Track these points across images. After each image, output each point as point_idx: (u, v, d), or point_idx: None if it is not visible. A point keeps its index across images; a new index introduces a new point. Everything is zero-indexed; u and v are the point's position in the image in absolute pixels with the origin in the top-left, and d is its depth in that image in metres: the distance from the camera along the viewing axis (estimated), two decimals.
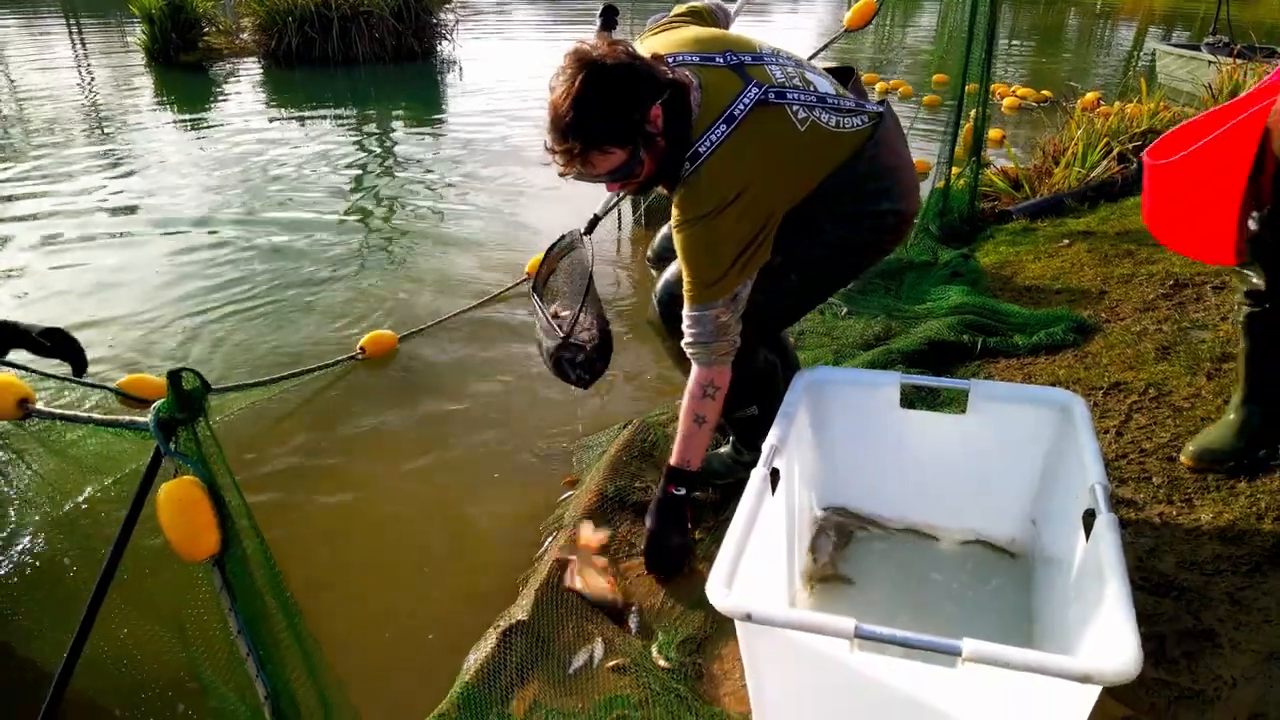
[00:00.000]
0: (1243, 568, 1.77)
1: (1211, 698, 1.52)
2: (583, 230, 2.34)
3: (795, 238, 1.85)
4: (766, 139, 1.74)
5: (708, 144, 1.70)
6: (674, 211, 1.77)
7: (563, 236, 2.38)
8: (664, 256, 2.22)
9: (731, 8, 2.29)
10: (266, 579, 1.52)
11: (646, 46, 1.87)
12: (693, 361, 1.85)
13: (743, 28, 2.11)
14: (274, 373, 3.17)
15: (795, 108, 1.77)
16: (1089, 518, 1.50)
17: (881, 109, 1.92)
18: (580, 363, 2.12)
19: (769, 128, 1.74)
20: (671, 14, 2.09)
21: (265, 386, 3.01)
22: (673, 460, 1.95)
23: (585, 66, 1.61)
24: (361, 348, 3.33)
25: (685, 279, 1.79)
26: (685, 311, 1.81)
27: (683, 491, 1.96)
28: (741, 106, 1.72)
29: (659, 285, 2.11)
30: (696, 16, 2.05)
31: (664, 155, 1.71)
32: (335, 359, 3.28)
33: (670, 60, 1.75)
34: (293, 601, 1.53)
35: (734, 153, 1.71)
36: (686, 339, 1.82)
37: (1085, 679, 1.16)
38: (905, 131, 2.02)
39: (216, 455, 1.52)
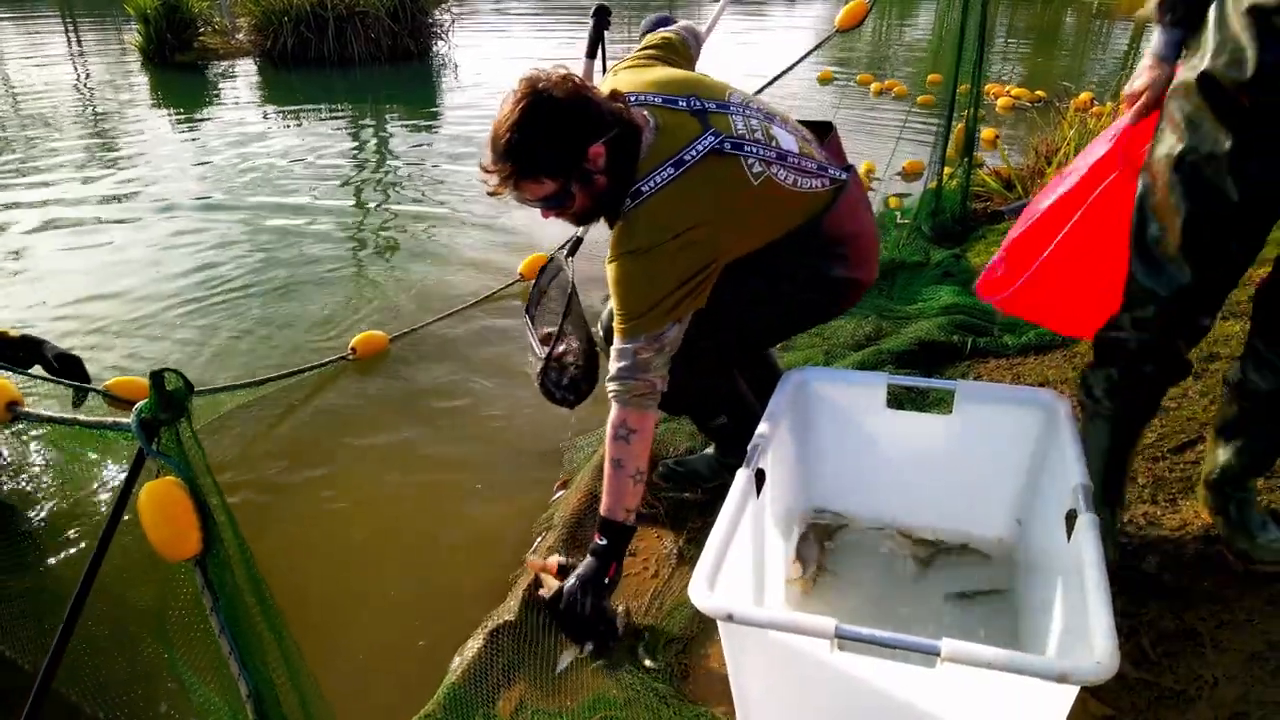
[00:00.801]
0: (1225, 567, 1.78)
1: (1193, 697, 1.53)
2: (565, 252, 2.32)
3: (741, 285, 1.83)
4: (716, 184, 1.71)
5: (651, 184, 1.68)
6: (610, 245, 1.74)
7: (551, 258, 2.38)
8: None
9: (702, 28, 2.30)
10: (247, 579, 1.52)
11: (613, 82, 1.86)
12: (612, 399, 1.76)
13: (736, 35, 2.12)
14: (265, 372, 3.17)
15: (751, 160, 1.74)
16: (1071, 518, 1.51)
17: (846, 176, 1.89)
18: (565, 385, 2.11)
19: (719, 174, 1.71)
20: (643, 45, 2.10)
21: (254, 387, 3.01)
22: (601, 511, 1.81)
23: (533, 94, 1.62)
24: (353, 348, 3.34)
25: (615, 312, 1.74)
26: (613, 346, 1.76)
27: (605, 542, 1.79)
28: (694, 153, 1.70)
29: (603, 315, 2.14)
30: (669, 49, 2.06)
31: (604, 191, 1.70)
32: (326, 360, 3.28)
33: (632, 99, 1.75)
34: (273, 601, 1.53)
35: (678, 194, 1.68)
36: (609, 375, 1.76)
37: (1062, 678, 1.17)
38: (869, 198, 2.04)
39: (198, 456, 1.51)
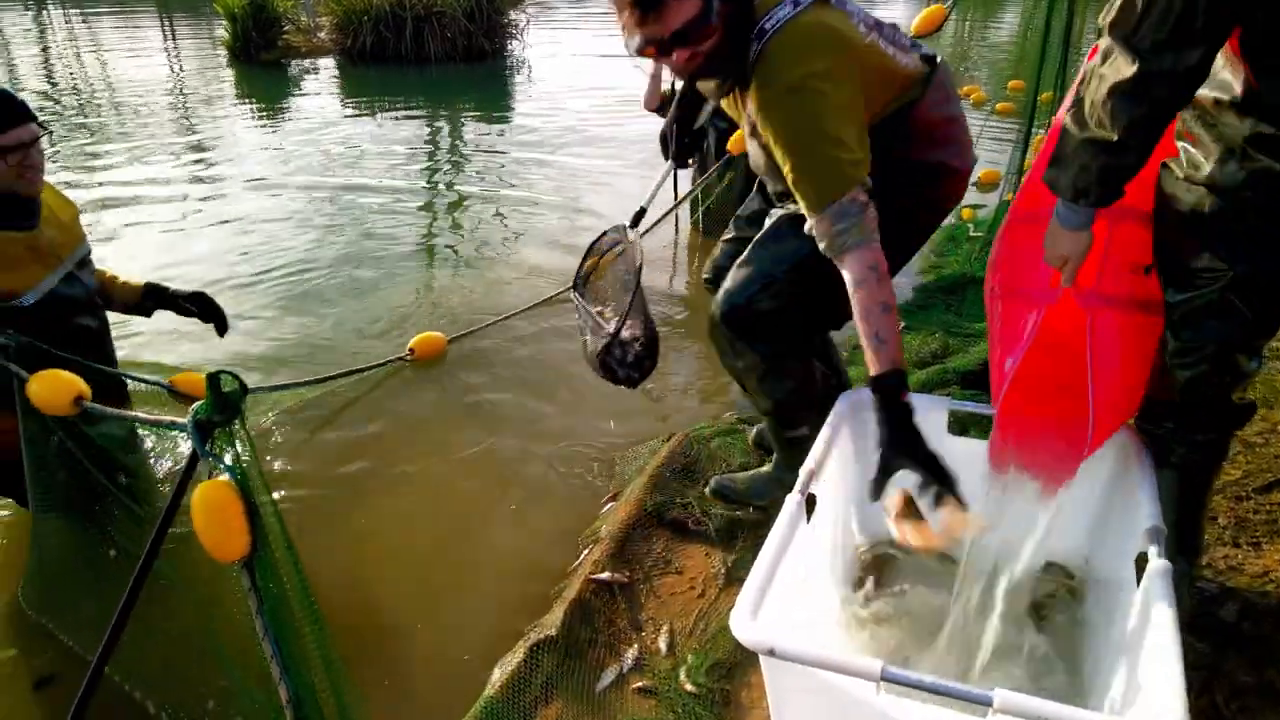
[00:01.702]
0: None
1: None
2: (628, 223, 2.23)
3: None
4: (833, 26, 1.64)
5: (773, 21, 1.61)
6: (754, 98, 1.64)
7: (605, 233, 2.30)
8: (719, 276, 2.17)
9: None
10: (295, 584, 1.54)
11: None
12: (843, 255, 1.61)
13: None
14: (322, 366, 3.22)
15: (855, 20, 1.69)
16: (1142, 561, 1.42)
17: (936, 55, 1.83)
18: (630, 362, 2.05)
19: (832, 19, 1.65)
20: None
21: (311, 386, 3.05)
22: (881, 369, 1.61)
23: None
24: (411, 349, 3.36)
25: (799, 179, 1.60)
26: (813, 220, 1.63)
27: (908, 398, 1.62)
28: None
29: (720, 296, 2.04)
30: None
31: (729, 22, 1.62)
32: (384, 360, 3.31)
33: None
34: (318, 608, 1.54)
35: (804, 28, 1.61)
36: (826, 237, 1.62)
37: None
38: (973, 139, 1.94)
39: (251, 458, 1.53)
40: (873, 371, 1.62)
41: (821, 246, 1.64)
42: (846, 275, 1.63)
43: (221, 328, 2.55)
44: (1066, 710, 1.13)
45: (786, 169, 1.64)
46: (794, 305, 1.93)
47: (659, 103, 3.99)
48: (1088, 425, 1.54)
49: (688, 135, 2.24)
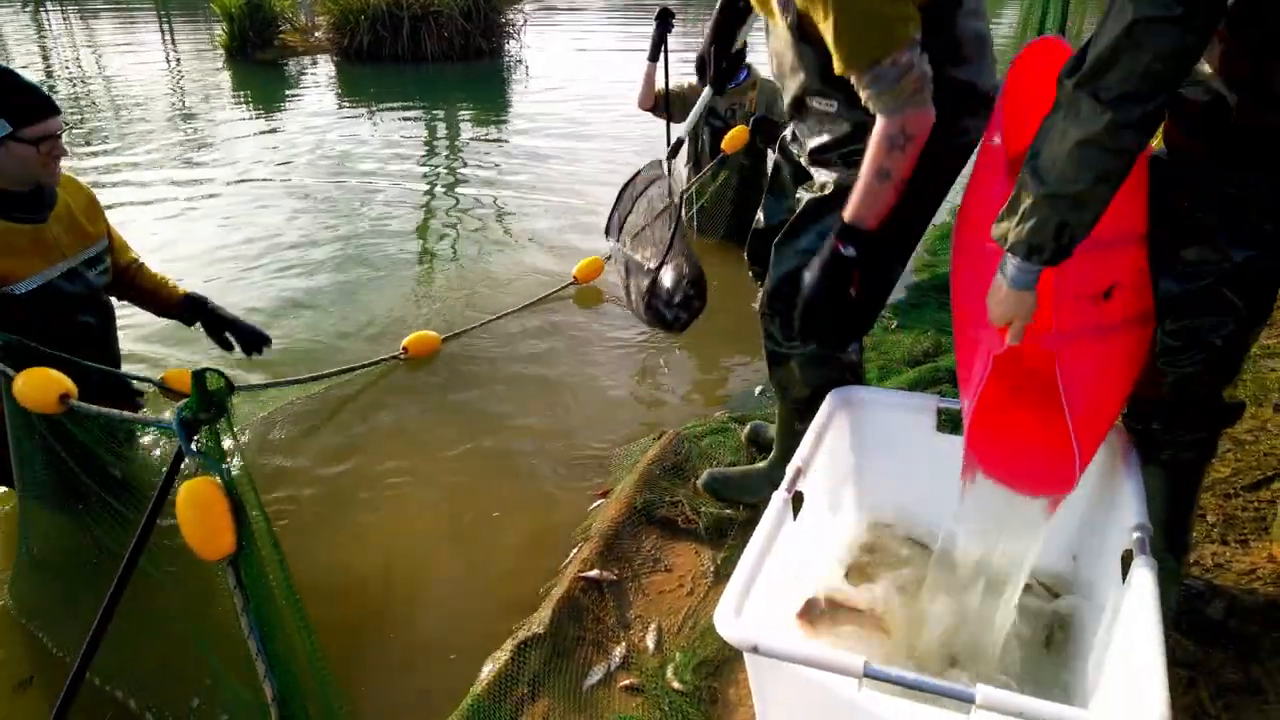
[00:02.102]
0: None
1: None
2: (665, 157, 2.13)
3: None
4: None
5: None
6: None
7: (639, 171, 2.19)
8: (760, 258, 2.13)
9: None
10: (280, 582, 1.53)
11: None
12: (878, 115, 1.59)
13: None
14: (314, 365, 3.21)
15: None
16: (1128, 559, 1.42)
17: None
18: (678, 302, 1.99)
19: None
20: None
21: (303, 384, 3.05)
22: (846, 215, 1.68)
23: None
24: (405, 348, 3.36)
25: (839, 36, 1.54)
26: (860, 81, 1.58)
27: (851, 252, 1.69)
28: None
29: (762, 292, 2.04)
30: None
31: None
32: (377, 359, 3.31)
33: None
34: (303, 607, 1.53)
35: None
36: (867, 94, 1.59)
37: None
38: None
39: (237, 456, 1.53)
40: (843, 215, 1.68)
41: (863, 98, 1.61)
42: (875, 132, 1.60)
43: (258, 347, 2.56)
44: (1048, 707, 1.13)
45: (827, 25, 1.54)
46: (830, 299, 1.84)
47: (654, 103, 3.99)
48: (1073, 451, 1.51)
49: (725, 59, 2.17)
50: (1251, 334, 1.54)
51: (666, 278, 1.96)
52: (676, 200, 2.02)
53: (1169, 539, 1.67)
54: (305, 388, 3.05)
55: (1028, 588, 1.86)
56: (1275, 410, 2.32)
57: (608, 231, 2.14)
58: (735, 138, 3.85)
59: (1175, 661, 1.21)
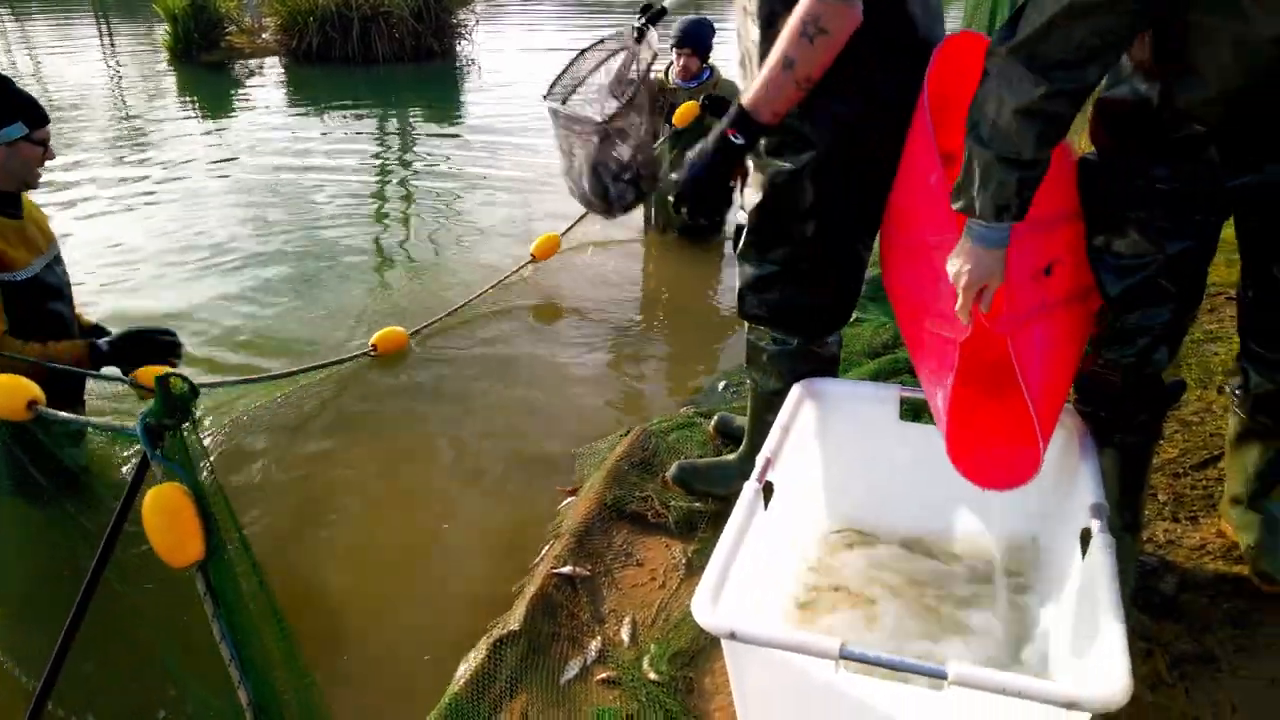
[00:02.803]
0: (1246, 589, 1.73)
1: None
2: (638, 24, 2.01)
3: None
4: None
5: None
6: None
7: (602, 39, 2.06)
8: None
9: None
10: (251, 586, 1.52)
11: None
12: None
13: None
14: (279, 367, 3.17)
15: None
16: (1086, 537, 1.47)
17: None
18: (628, 178, 1.88)
19: None
20: None
21: (271, 381, 3.01)
22: (744, 100, 1.64)
23: None
24: (374, 345, 3.32)
25: None
26: None
27: (741, 141, 1.66)
28: None
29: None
30: None
31: None
32: (346, 356, 3.27)
33: None
34: (278, 609, 1.52)
35: None
36: None
37: (1073, 705, 1.14)
38: None
39: (203, 461, 1.51)
40: (741, 100, 1.65)
41: None
42: (795, 16, 1.56)
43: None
44: (1018, 679, 1.17)
45: None
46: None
47: None
48: (1035, 432, 1.56)
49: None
50: (1188, 318, 1.62)
51: (624, 150, 1.84)
52: (643, 73, 1.91)
53: (1122, 518, 1.73)
54: (272, 389, 3.01)
55: (992, 569, 1.92)
56: (1219, 392, 2.41)
57: (549, 92, 1.97)
58: (686, 112, 3.88)
59: (1132, 635, 1.26)
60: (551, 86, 2.01)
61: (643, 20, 2.07)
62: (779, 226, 1.89)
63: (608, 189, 1.88)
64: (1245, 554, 1.78)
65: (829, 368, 2.10)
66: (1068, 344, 1.64)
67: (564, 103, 1.97)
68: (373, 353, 3.33)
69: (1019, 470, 1.60)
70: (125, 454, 2.40)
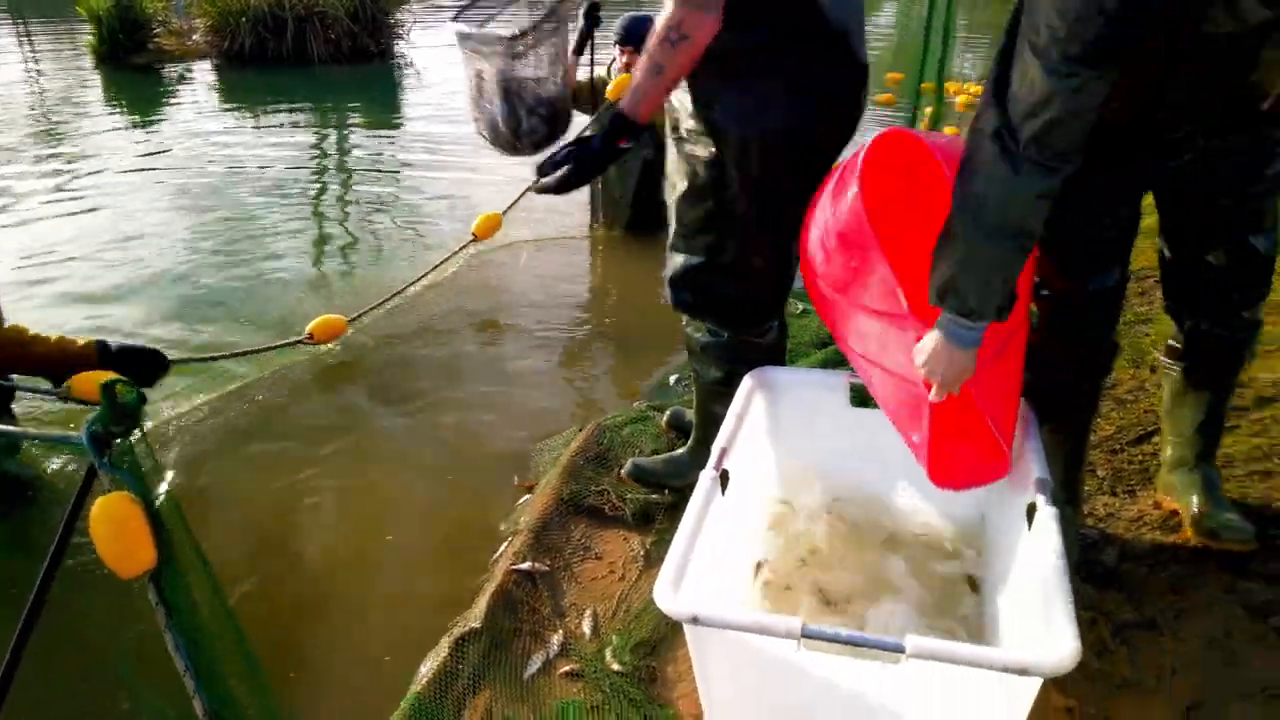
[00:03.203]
0: (1182, 556, 1.81)
1: (1153, 687, 1.55)
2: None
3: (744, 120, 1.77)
4: None
5: None
6: None
7: None
8: None
9: None
10: (205, 593, 1.49)
11: None
12: (672, 4, 1.63)
13: None
14: (217, 369, 3.12)
15: None
16: (1032, 510, 1.52)
17: None
18: (543, 114, 1.89)
19: None
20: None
21: (202, 363, 2.96)
22: (623, 108, 1.72)
23: None
24: (310, 333, 3.24)
25: None
26: None
27: (630, 145, 1.77)
28: None
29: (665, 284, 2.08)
30: None
31: None
32: (281, 342, 3.22)
33: None
34: (233, 616, 1.50)
35: None
36: None
37: (1024, 671, 1.18)
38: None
39: (152, 468, 1.49)
40: (620, 107, 1.73)
41: None
42: (660, 23, 1.63)
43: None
44: (971, 649, 1.21)
45: None
46: (723, 281, 1.96)
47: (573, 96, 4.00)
48: (1002, 448, 1.61)
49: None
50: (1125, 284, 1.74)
51: (535, 75, 1.85)
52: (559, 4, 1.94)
53: (1064, 492, 1.80)
54: (211, 389, 2.95)
55: (943, 546, 1.97)
56: (1151, 370, 2.50)
57: (456, 17, 1.97)
58: (620, 85, 3.89)
59: (1077, 604, 1.31)
60: (458, 14, 2.00)
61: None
62: (702, 216, 1.93)
63: (520, 120, 1.89)
64: (1186, 517, 1.84)
65: (772, 357, 2.12)
66: (1017, 372, 1.68)
67: (475, 26, 1.96)
68: (308, 340, 3.24)
69: (992, 473, 1.65)
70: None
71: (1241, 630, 1.60)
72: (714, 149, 1.84)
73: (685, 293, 2.03)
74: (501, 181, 5.30)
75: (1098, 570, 1.83)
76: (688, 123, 1.89)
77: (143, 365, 2.47)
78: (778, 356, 2.16)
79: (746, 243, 1.92)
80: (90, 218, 5.00)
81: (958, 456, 1.66)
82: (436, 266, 3.88)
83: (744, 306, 2.04)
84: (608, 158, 1.81)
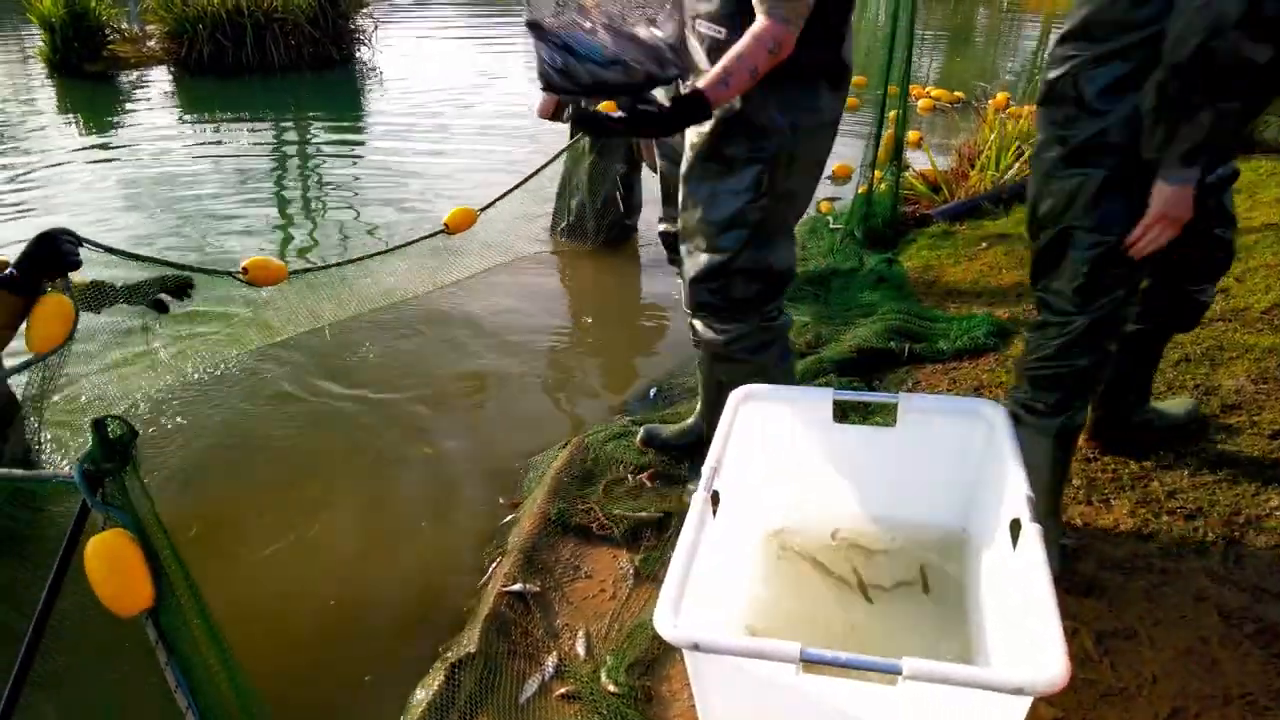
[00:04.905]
0: (1157, 565, 1.87)
1: (1134, 694, 1.61)
2: None
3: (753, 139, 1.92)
4: None
5: None
6: None
7: None
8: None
9: None
10: (202, 629, 1.48)
11: None
12: (766, 17, 1.73)
13: None
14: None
15: None
16: (1015, 527, 1.57)
17: None
18: (675, 72, 1.85)
19: None
20: None
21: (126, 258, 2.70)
22: (709, 95, 1.76)
23: None
24: (244, 268, 2.84)
25: None
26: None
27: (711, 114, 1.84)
28: None
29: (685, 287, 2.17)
30: None
31: None
32: (215, 269, 2.97)
33: None
34: (230, 651, 1.49)
35: None
36: (765, 6, 1.73)
37: (1019, 691, 1.22)
38: None
39: (146, 504, 1.47)
40: (699, 84, 1.77)
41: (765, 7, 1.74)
42: (756, 29, 1.73)
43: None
44: (967, 670, 1.24)
45: None
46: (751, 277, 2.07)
47: (553, 109, 3.95)
48: None
49: None
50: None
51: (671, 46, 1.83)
52: None
53: (1047, 503, 1.86)
54: (187, 413, 2.90)
55: (928, 561, 2.02)
56: None
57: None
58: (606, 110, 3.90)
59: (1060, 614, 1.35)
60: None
61: None
62: (729, 216, 2.00)
63: (660, 60, 1.82)
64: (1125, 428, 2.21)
65: (785, 342, 2.27)
66: None
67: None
68: (241, 275, 2.84)
69: None
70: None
71: (1219, 638, 1.66)
72: (761, 150, 1.94)
73: (705, 292, 2.10)
74: (469, 188, 5.30)
75: (1078, 580, 1.88)
76: (727, 126, 1.97)
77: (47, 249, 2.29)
78: (786, 343, 2.28)
79: (764, 241, 2.04)
80: (41, 220, 4.89)
81: None
82: (402, 245, 3.73)
83: (757, 301, 2.14)
84: (670, 130, 1.90)
